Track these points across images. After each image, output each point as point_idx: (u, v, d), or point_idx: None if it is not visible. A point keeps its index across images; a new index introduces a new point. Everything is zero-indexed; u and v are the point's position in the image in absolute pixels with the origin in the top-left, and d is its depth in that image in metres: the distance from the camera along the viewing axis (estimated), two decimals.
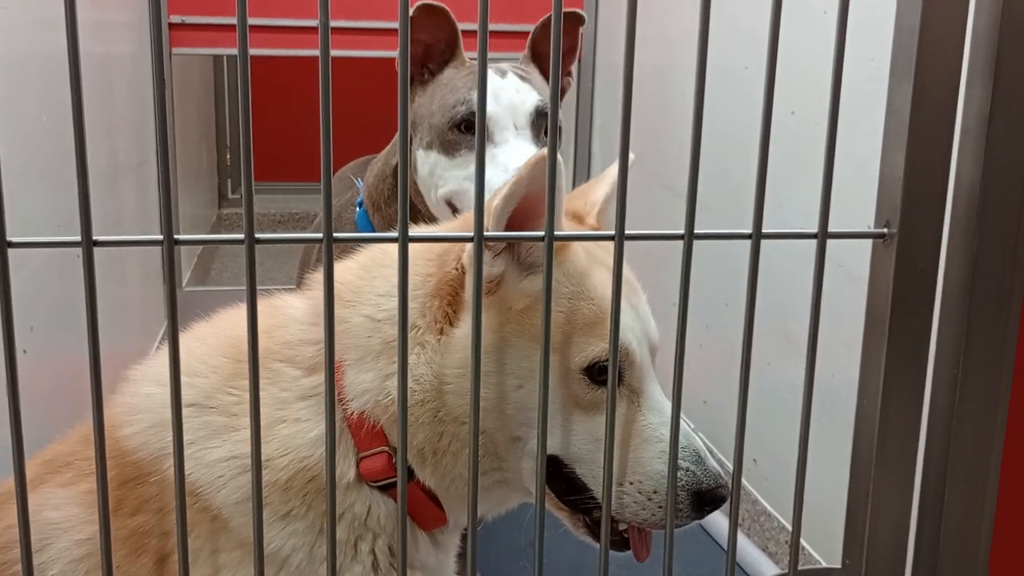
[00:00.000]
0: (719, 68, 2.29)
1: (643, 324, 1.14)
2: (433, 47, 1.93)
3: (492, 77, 1.92)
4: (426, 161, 1.93)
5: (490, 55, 2.08)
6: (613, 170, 1.24)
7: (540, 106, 1.92)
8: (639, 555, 1.15)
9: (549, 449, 1.09)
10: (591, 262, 1.12)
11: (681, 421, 1.12)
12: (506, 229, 1.02)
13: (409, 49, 1.94)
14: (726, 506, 1.05)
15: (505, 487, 1.15)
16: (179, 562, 0.87)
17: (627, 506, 1.09)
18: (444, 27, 1.92)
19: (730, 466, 0.94)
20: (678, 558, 0.95)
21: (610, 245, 1.15)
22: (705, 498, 1.08)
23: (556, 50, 0.81)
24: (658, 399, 1.12)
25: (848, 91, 0.87)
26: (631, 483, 1.09)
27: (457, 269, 1.09)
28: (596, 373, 1.08)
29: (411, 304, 1.07)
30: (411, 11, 1.85)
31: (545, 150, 1.00)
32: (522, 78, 1.96)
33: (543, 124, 1.93)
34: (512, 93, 1.91)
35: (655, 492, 1.08)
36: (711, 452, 1.13)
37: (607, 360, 1.07)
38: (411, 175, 2.01)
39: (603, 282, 1.10)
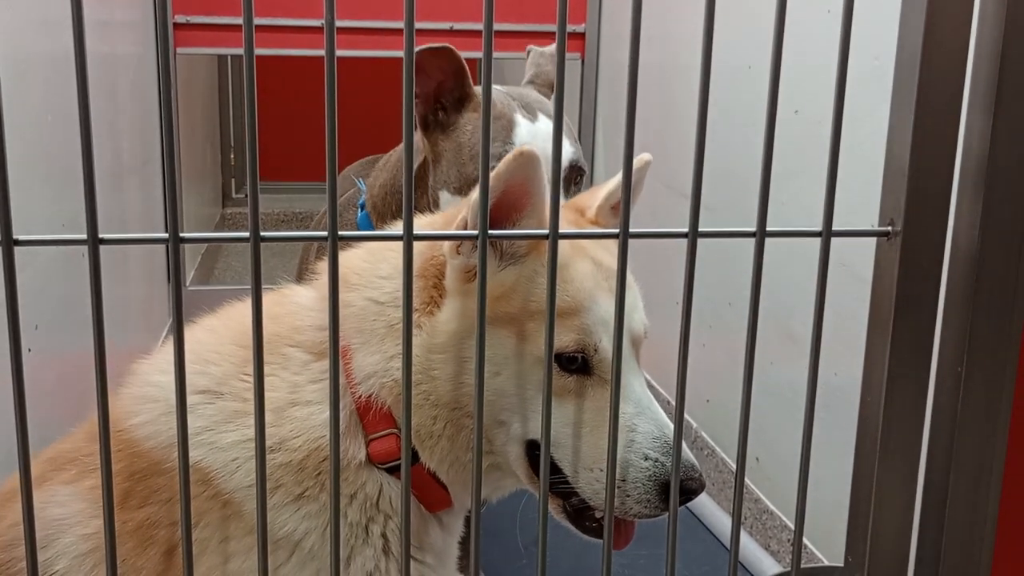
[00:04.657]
0: (723, 67, 2.29)
1: (625, 317, 1.14)
2: (444, 83, 1.91)
3: (521, 121, 1.90)
4: (451, 202, 1.92)
5: (503, 87, 2.05)
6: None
7: (573, 160, 1.91)
8: (616, 543, 1.15)
9: (529, 433, 1.11)
10: (574, 253, 1.12)
11: (659, 412, 1.12)
12: (491, 221, 1.03)
13: (415, 79, 1.93)
14: (729, 504, 1.05)
15: (498, 471, 1.17)
16: (183, 551, 0.87)
17: (598, 493, 1.10)
18: (451, 64, 1.89)
19: (733, 465, 0.94)
20: (681, 556, 0.95)
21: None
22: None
23: (561, 47, 0.81)
24: (635, 390, 1.12)
25: (852, 90, 0.87)
26: (601, 469, 1.09)
27: (442, 255, 1.10)
28: (565, 362, 1.09)
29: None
30: (422, 49, 1.83)
31: (525, 146, 1.01)
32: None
33: (574, 178, 1.92)
34: (546, 142, 1.86)
35: (623, 480, 1.08)
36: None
37: (573, 351, 1.08)
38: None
39: (583, 273, 1.11)
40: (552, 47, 2.14)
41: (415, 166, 2.00)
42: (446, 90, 1.92)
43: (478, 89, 1.94)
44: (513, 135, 1.88)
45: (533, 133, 1.88)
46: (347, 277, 1.13)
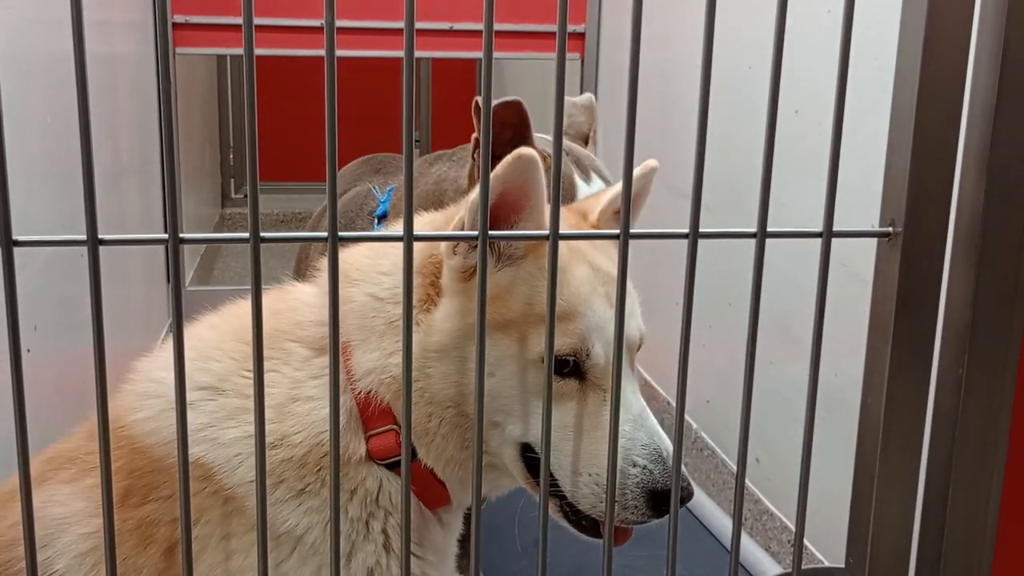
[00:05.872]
0: (723, 68, 2.29)
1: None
2: (501, 134, 1.88)
3: (580, 184, 1.88)
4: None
5: (548, 137, 2.00)
6: (634, 176, 1.24)
7: None
8: (615, 540, 1.14)
9: (523, 436, 1.11)
10: (572, 257, 1.12)
11: (650, 419, 1.12)
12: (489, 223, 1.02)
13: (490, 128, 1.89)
14: (729, 505, 1.05)
15: (495, 470, 1.17)
16: (183, 548, 0.87)
17: (586, 496, 1.10)
18: (515, 117, 1.84)
19: (733, 466, 0.94)
20: (681, 557, 0.95)
21: (599, 240, 1.15)
22: (661, 497, 1.07)
23: (561, 47, 0.81)
24: (628, 397, 1.12)
25: (852, 90, 0.87)
26: (589, 475, 1.09)
27: (439, 253, 1.10)
28: (558, 365, 1.08)
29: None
30: (495, 104, 1.80)
31: (522, 149, 1.01)
32: (607, 182, 1.90)
33: None
34: None
35: None
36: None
37: (565, 355, 1.08)
38: None
39: (579, 278, 1.10)
40: (582, 97, 2.14)
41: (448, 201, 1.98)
42: (503, 140, 1.88)
43: (539, 138, 1.90)
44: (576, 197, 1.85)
45: (587, 194, 1.85)
46: (348, 272, 1.13)
